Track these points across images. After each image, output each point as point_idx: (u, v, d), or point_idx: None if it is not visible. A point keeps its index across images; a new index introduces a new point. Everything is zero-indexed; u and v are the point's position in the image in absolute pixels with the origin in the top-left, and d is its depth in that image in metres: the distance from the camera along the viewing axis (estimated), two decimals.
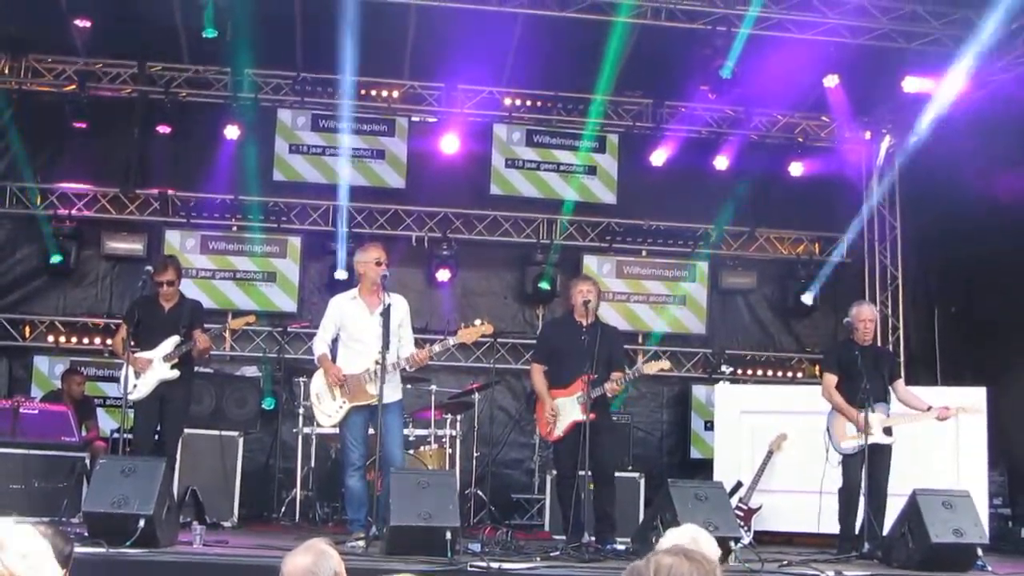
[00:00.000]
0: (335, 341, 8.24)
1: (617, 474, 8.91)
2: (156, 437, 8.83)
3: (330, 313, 8.23)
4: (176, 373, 8.76)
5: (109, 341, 9.39)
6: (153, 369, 8.71)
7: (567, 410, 8.23)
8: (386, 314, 7.78)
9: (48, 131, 12.58)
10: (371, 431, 8.15)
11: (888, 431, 8.50)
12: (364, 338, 8.01)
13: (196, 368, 11.13)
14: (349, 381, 7.97)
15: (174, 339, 8.75)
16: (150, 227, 12.72)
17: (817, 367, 12.85)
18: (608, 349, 8.29)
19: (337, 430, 9.67)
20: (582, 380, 8.04)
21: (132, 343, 8.80)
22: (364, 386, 7.94)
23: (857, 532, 8.52)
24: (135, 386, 8.76)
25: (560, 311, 12.42)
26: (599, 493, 8.35)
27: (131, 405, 8.71)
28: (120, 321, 9.68)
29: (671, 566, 2.75)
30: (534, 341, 11.11)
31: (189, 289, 12.34)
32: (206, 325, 9.07)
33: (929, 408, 8.64)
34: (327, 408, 8.11)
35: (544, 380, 8.49)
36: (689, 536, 3.23)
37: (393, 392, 7.98)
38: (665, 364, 8.51)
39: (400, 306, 8.09)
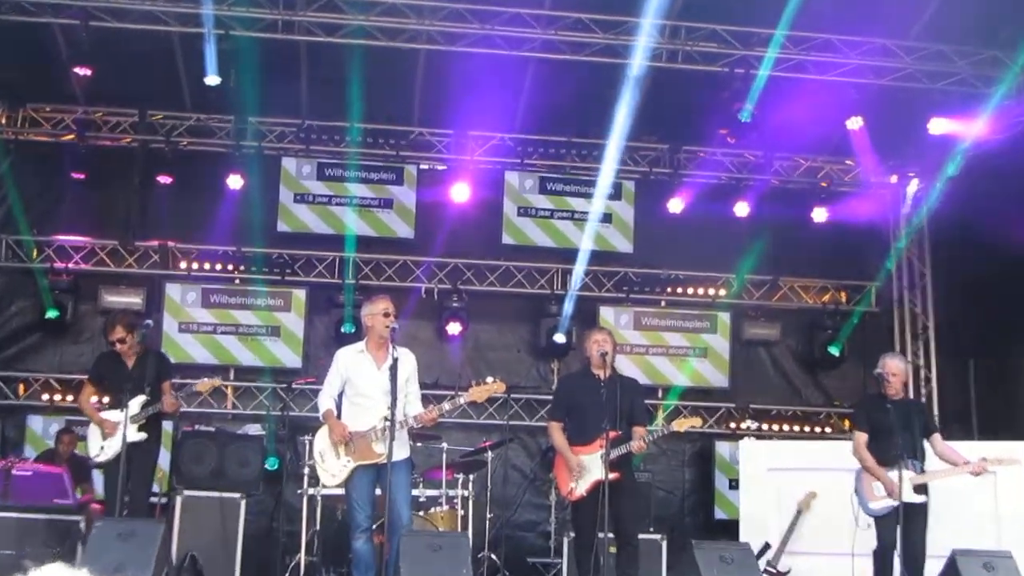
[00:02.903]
0: (341, 396, 8.16)
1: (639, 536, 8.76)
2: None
3: (336, 366, 8.16)
4: (143, 436, 8.72)
5: (106, 399, 9.34)
6: (120, 431, 8.66)
7: (590, 468, 8.12)
8: (393, 369, 7.72)
9: (46, 182, 12.68)
10: (379, 491, 8.05)
11: (920, 489, 8.36)
12: (371, 393, 7.94)
13: (197, 427, 11.14)
14: (355, 439, 7.89)
15: (140, 399, 8.70)
16: (150, 280, 12.76)
17: (846, 421, 12.74)
18: (629, 403, 8.20)
19: (342, 490, 9.61)
20: (603, 437, 7.95)
21: (102, 402, 8.90)
22: (370, 444, 7.84)
23: None
24: (102, 448, 8.80)
25: (576, 365, 12.33)
26: (621, 557, 8.20)
27: (100, 466, 8.79)
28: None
29: None
30: (549, 397, 11.03)
31: (190, 344, 12.44)
32: (175, 380, 9.14)
33: (965, 463, 8.50)
34: (331, 467, 8.02)
35: (563, 437, 8.40)
36: None
37: (401, 450, 7.89)
38: (696, 421, 8.45)
39: (408, 361, 8.03)
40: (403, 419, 7.79)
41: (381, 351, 8.02)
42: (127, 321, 9.12)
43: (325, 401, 8.11)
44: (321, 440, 8.11)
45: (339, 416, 8.06)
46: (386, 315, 8.01)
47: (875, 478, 8.43)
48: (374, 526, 8.11)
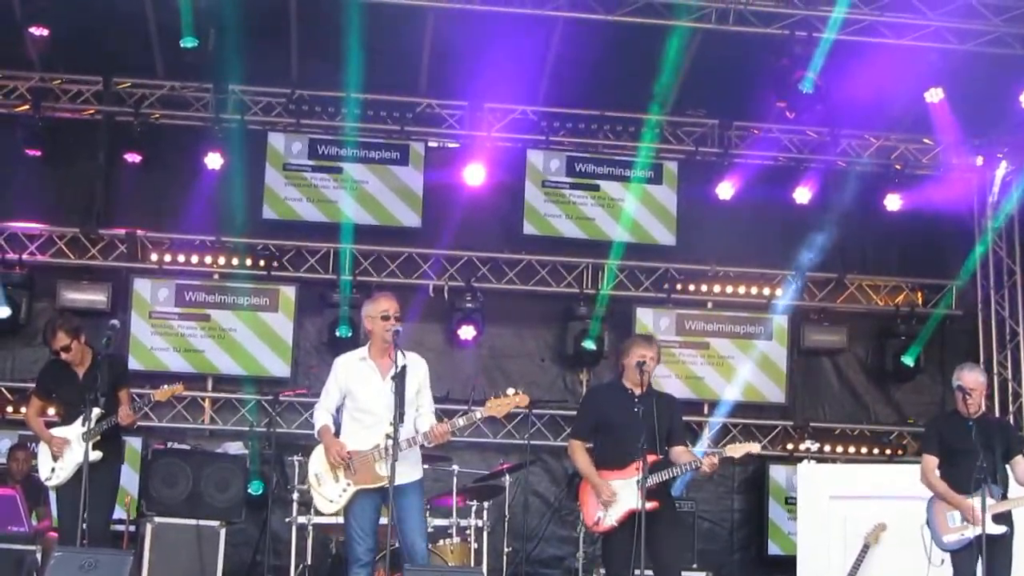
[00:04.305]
0: (340, 411, 8.23)
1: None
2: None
3: (334, 376, 8.24)
4: (99, 455, 8.78)
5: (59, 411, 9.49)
6: (72, 450, 8.81)
7: (623, 496, 8.19)
8: (400, 377, 7.78)
9: None
10: (383, 520, 8.15)
11: (1001, 519, 8.43)
12: (374, 408, 8.00)
13: (170, 445, 11.28)
14: (355, 459, 7.97)
15: (95, 412, 8.77)
16: (115, 275, 12.85)
17: None
18: (668, 421, 8.26)
19: (339, 518, 9.70)
20: (639, 460, 8.02)
21: (59, 415, 9.15)
22: (373, 465, 7.90)
23: None
24: (53, 470, 8.97)
25: (607, 376, 12.40)
26: None
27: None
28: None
29: None
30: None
31: (162, 350, 12.56)
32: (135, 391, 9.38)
33: None
34: (328, 491, 8.09)
35: (589, 459, 8.46)
36: None
37: (412, 470, 7.97)
38: (754, 447, 8.45)
39: (418, 368, 8.08)
40: (412, 436, 7.88)
41: (385, 358, 8.07)
42: (70, 325, 9.21)
43: (321, 416, 8.17)
44: (317, 461, 8.19)
45: (338, 433, 8.15)
46: (385, 318, 8.06)
47: (950, 506, 8.51)
48: (376, 559, 8.19)
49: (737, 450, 8.38)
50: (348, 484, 7.96)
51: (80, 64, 12.66)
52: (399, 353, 7.88)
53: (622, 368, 8.55)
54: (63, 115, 12.79)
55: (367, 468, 7.89)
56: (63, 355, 9.06)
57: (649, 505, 7.92)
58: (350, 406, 8.09)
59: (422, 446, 8.05)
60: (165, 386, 9.42)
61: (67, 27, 11.33)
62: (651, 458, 7.96)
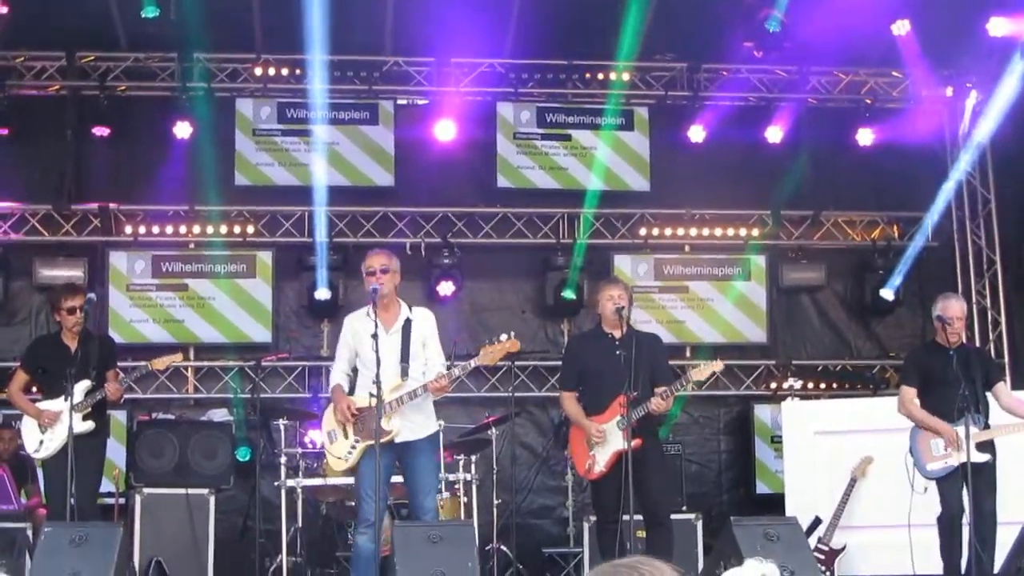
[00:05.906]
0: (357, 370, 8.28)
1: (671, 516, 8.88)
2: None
3: (343, 335, 8.32)
4: (90, 425, 8.86)
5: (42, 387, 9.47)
6: (62, 422, 8.80)
7: (608, 439, 8.24)
8: (406, 332, 8.00)
9: None
10: (396, 478, 8.26)
11: (984, 447, 8.50)
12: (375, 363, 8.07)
13: (155, 415, 11.28)
14: (363, 415, 8.01)
15: (84, 384, 8.82)
16: (91, 249, 12.80)
17: None
18: (649, 361, 8.31)
19: (328, 480, 9.78)
20: (619, 401, 8.08)
21: (41, 391, 9.19)
22: (380, 421, 7.95)
23: (964, 569, 8.49)
24: (41, 442, 9.00)
25: (590, 326, 12.42)
26: (652, 540, 8.34)
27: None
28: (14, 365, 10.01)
29: None
30: (560, 363, 11.15)
31: (142, 322, 12.55)
32: (122, 364, 9.45)
33: None
34: (339, 449, 8.18)
35: (579, 407, 8.52)
36: (759, 573, 3.23)
37: (425, 424, 8.05)
38: (718, 365, 8.53)
39: (423, 322, 8.18)
40: (413, 389, 7.92)
41: (388, 313, 8.14)
42: (86, 292, 9.32)
43: (335, 376, 8.29)
44: (329, 420, 8.29)
45: (352, 392, 8.20)
46: (369, 273, 8.13)
47: (933, 433, 8.58)
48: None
49: (703, 371, 8.47)
50: (357, 441, 8.04)
51: (42, 40, 12.52)
52: (406, 308, 8.17)
53: (599, 315, 8.63)
54: (28, 92, 12.71)
55: (371, 423, 7.92)
56: (78, 314, 9.05)
57: (633, 443, 7.98)
58: (359, 363, 8.15)
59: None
60: (165, 356, 9.50)
61: (27, 3, 11.23)
62: (630, 396, 8.04)
